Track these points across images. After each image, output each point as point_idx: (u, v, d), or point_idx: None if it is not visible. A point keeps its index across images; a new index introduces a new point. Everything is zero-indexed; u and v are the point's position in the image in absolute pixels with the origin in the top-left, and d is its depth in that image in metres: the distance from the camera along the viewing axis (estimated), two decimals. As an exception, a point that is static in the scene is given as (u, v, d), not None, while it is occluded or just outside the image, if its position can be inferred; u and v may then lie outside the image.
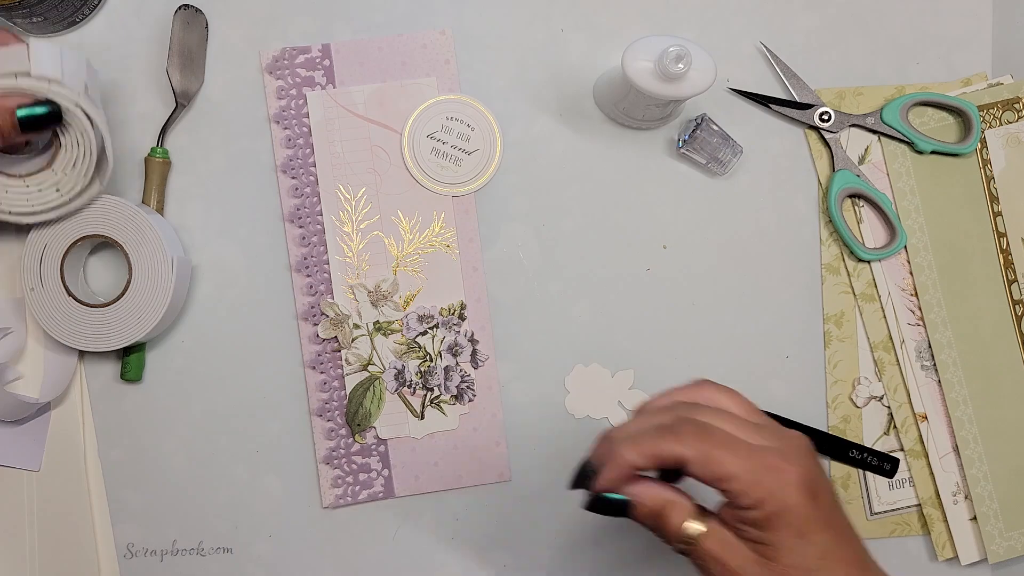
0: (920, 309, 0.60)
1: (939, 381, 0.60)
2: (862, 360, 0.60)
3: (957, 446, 0.59)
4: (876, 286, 0.60)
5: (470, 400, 0.59)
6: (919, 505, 0.60)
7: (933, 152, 0.60)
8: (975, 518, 0.59)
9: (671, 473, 0.44)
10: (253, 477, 0.59)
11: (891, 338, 0.60)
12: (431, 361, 0.59)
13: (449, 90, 0.59)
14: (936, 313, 0.60)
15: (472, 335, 0.59)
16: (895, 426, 0.60)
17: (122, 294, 0.55)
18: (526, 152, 0.60)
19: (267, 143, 0.59)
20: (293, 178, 0.59)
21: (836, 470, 0.60)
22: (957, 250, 0.60)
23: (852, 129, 0.60)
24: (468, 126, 0.59)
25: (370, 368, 0.58)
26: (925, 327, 0.60)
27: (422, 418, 0.59)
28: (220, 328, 0.59)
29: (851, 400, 0.60)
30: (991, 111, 0.61)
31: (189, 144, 0.59)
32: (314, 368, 0.58)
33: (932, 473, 0.60)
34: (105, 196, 0.55)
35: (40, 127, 0.50)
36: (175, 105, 0.58)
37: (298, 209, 0.59)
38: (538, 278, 0.60)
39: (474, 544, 0.59)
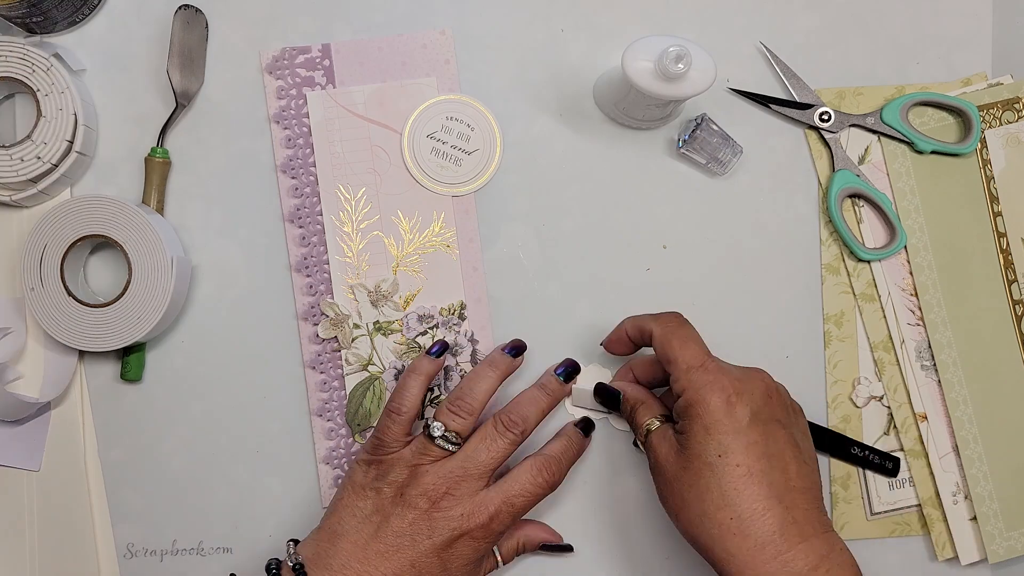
0: (920, 309, 0.60)
1: (939, 381, 0.60)
2: (862, 360, 0.60)
3: (957, 446, 0.59)
4: (876, 286, 0.60)
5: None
6: (919, 505, 0.60)
7: (933, 152, 0.60)
8: (975, 518, 0.59)
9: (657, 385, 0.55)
10: (253, 477, 0.59)
11: (891, 338, 0.60)
12: (431, 361, 0.59)
13: (449, 90, 0.59)
14: (936, 313, 0.60)
15: (472, 335, 0.59)
16: (895, 426, 0.60)
17: (122, 294, 0.55)
18: (526, 152, 0.60)
19: (267, 143, 0.59)
20: (293, 178, 0.59)
21: (836, 470, 0.60)
22: (957, 250, 0.60)
23: (852, 129, 0.60)
24: (468, 126, 0.59)
25: (370, 368, 0.58)
26: (925, 327, 0.60)
27: (422, 418, 0.59)
28: (220, 328, 0.59)
29: (851, 400, 0.60)
30: (991, 111, 0.61)
31: (189, 144, 0.59)
32: (314, 368, 0.58)
33: (932, 473, 0.60)
34: (105, 196, 0.55)
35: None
36: (175, 105, 0.58)
37: (298, 209, 0.59)
38: (538, 278, 0.60)
39: (474, 544, 0.59)
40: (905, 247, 0.60)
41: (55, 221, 0.55)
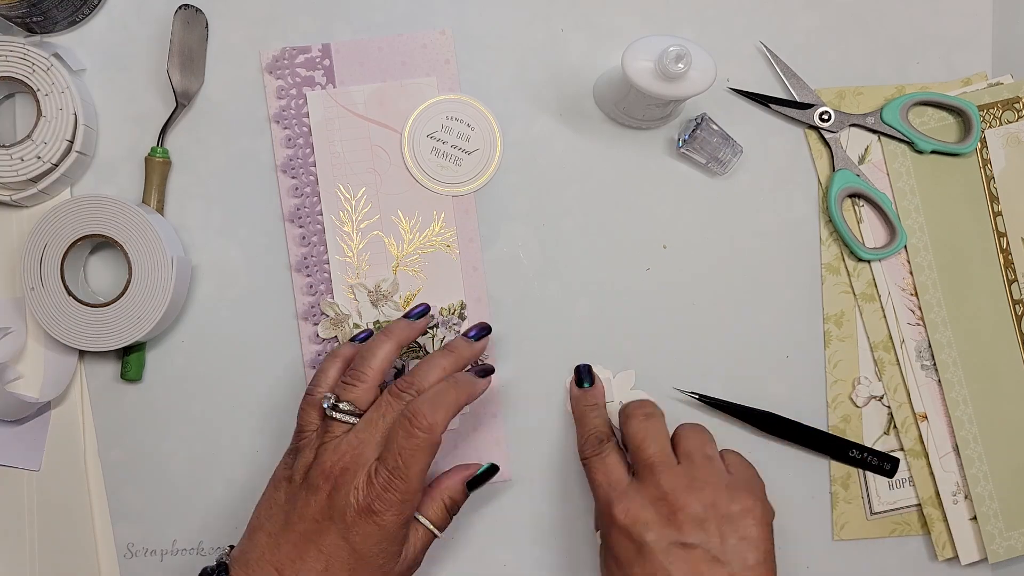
0: (920, 309, 0.60)
1: (939, 381, 0.60)
2: (862, 360, 0.60)
3: (957, 446, 0.59)
4: (876, 286, 0.60)
5: (470, 400, 0.59)
6: (919, 505, 0.60)
7: (933, 152, 0.60)
8: (975, 518, 0.59)
9: None
10: (253, 477, 0.59)
11: (891, 338, 0.60)
12: (431, 361, 0.59)
13: (449, 90, 0.59)
14: (936, 313, 0.60)
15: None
16: (895, 426, 0.60)
17: (122, 294, 0.55)
18: (526, 152, 0.60)
19: (267, 143, 0.59)
20: (293, 178, 0.59)
21: (836, 470, 0.60)
22: (957, 250, 0.60)
23: (852, 129, 0.60)
24: (468, 126, 0.59)
25: (370, 368, 0.58)
26: (925, 327, 0.60)
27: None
28: (220, 328, 0.59)
29: (851, 400, 0.60)
30: (991, 111, 0.61)
31: (189, 144, 0.59)
32: (314, 368, 0.58)
33: (932, 473, 0.60)
34: (105, 196, 0.55)
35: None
36: (175, 105, 0.58)
37: (298, 209, 0.59)
38: (538, 278, 0.60)
39: (474, 544, 0.59)
40: (905, 247, 0.60)
41: (55, 221, 0.55)
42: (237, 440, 0.59)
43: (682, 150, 0.59)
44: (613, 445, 0.54)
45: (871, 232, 0.60)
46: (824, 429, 0.60)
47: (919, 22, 0.61)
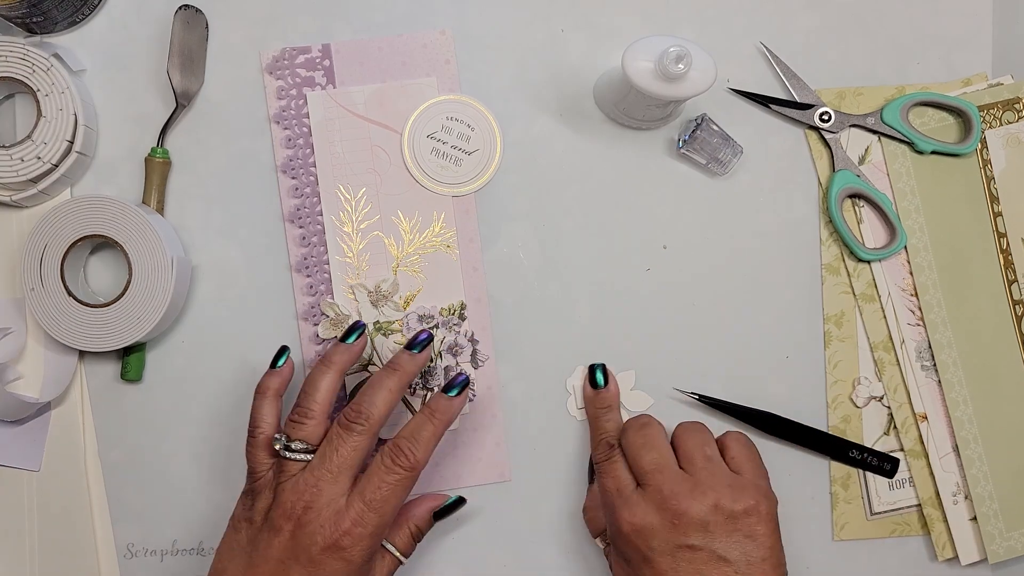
0: (920, 309, 0.60)
1: (939, 381, 0.60)
2: (862, 360, 0.60)
3: (957, 446, 0.59)
4: (876, 286, 0.60)
5: (470, 400, 0.59)
6: (919, 505, 0.60)
7: (933, 152, 0.60)
8: (975, 518, 0.59)
9: None
10: (253, 477, 0.59)
11: (891, 338, 0.60)
12: (431, 361, 0.59)
13: (449, 90, 0.59)
14: (936, 313, 0.60)
15: (472, 335, 0.59)
16: (895, 426, 0.60)
17: (122, 294, 0.55)
18: (526, 152, 0.60)
19: (267, 143, 0.59)
20: (293, 178, 0.59)
21: (836, 470, 0.60)
22: (957, 250, 0.60)
23: (852, 129, 0.60)
24: (468, 126, 0.59)
25: (370, 368, 0.58)
26: (925, 327, 0.60)
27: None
28: (220, 328, 0.59)
29: (851, 400, 0.60)
30: (991, 111, 0.61)
31: (189, 144, 0.59)
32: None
33: (932, 473, 0.60)
34: (105, 196, 0.55)
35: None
36: (175, 105, 0.58)
37: (298, 209, 0.59)
38: (538, 278, 0.60)
39: (474, 544, 0.59)
40: (905, 247, 0.60)
41: (55, 221, 0.55)
42: (237, 440, 0.59)
43: (682, 150, 0.59)
44: (619, 452, 0.54)
45: (871, 232, 0.60)
46: (824, 429, 0.60)
47: (919, 22, 0.61)
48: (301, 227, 0.59)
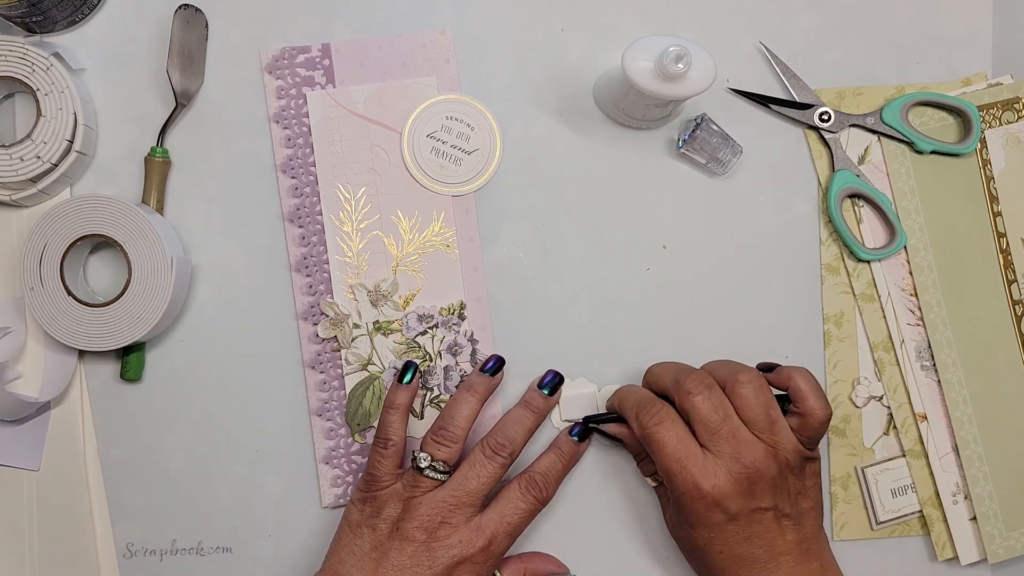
0: (920, 309, 0.60)
1: (939, 381, 0.60)
2: (862, 360, 0.60)
3: (957, 446, 0.59)
4: (876, 286, 0.60)
5: (470, 400, 0.59)
6: (921, 511, 0.60)
7: (933, 152, 0.60)
8: (975, 518, 0.59)
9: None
10: (253, 477, 0.59)
11: (891, 338, 0.60)
12: (431, 361, 0.59)
13: (449, 90, 0.59)
14: (936, 313, 0.60)
15: (472, 335, 0.59)
16: (895, 426, 0.60)
17: (122, 294, 0.55)
18: (526, 152, 0.60)
19: (267, 143, 0.59)
20: (293, 178, 0.59)
21: (836, 469, 0.60)
22: (957, 250, 0.60)
23: (852, 129, 0.60)
24: (468, 126, 0.59)
25: (370, 368, 0.58)
26: (925, 327, 0.60)
27: (422, 418, 0.59)
28: (220, 328, 0.59)
29: (851, 400, 0.60)
30: (991, 111, 0.61)
31: (189, 144, 0.59)
32: (314, 368, 0.58)
33: (932, 473, 0.60)
34: (105, 196, 0.55)
35: None
36: (175, 105, 0.58)
37: (298, 209, 0.59)
38: (538, 278, 0.60)
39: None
40: (905, 247, 0.60)
41: (55, 221, 0.55)
42: (237, 440, 0.59)
43: (682, 150, 0.59)
44: (669, 407, 0.53)
45: (871, 232, 0.60)
46: None
47: (919, 22, 0.61)
48: (301, 227, 0.59)
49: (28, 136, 0.55)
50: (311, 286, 0.59)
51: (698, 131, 0.58)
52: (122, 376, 0.58)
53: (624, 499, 0.59)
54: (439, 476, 0.52)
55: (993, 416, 0.60)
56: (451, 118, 0.59)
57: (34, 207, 0.58)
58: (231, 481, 0.59)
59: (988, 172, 0.61)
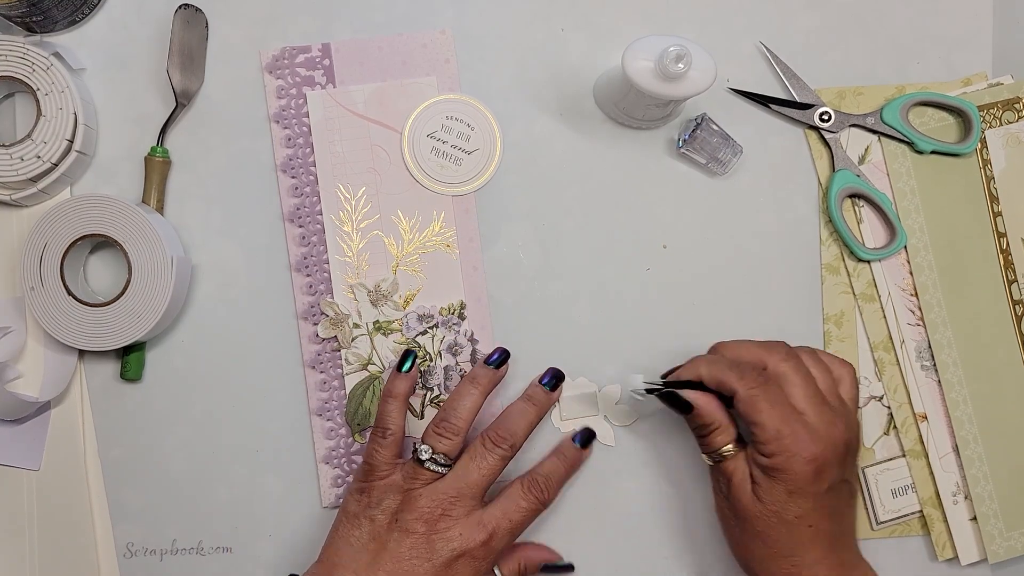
0: (920, 309, 0.60)
1: (939, 381, 0.60)
2: (862, 360, 0.60)
3: (957, 446, 0.59)
4: (876, 286, 0.60)
5: (470, 400, 0.59)
6: (921, 511, 0.60)
7: (933, 152, 0.60)
8: (975, 518, 0.59)
9: (728, 400, 0.51)
10: (253, 477, 0.59)
11: (891, 338, 0.60)
12: (431, 361, 0.59)
13: (449, 90, 0.59)
14: (936, 313, 0.60)
15: (472, 335, 0.59)
16: (895, 426, 0.60)
17: (122, 293, 0.55)
18: (526, 152, 0.60)
19: (267, 143, 0.59)
20: (293, 177, 0.59)
21: (836, 470, 0.60)
22: (957, 250, 0.60)
23: (852, 129, 0.60)
24: (468, 126, 0.59)
25: (370, 368, 0.58)
26: (925, 327, 0.60)
27: (422, 417, 0.59)
28: (220, 328, 0.59)
29: (851, 400, 0.60)
30: (991, 111, 0.61)
31: (189, 144, 0.59)
32: (314, 367, 0.58)
33: (932, 473, 0.60)
34: (105, 195, 0.55)
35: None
36: (175, 105, 0.58)
37: (298, 209, 0.59)
38: (538, 278, 0.60)
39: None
40: (905, 247, 0.60)
41: (55, 220, 0.55)
42: (237, 440, 0.59)
43: (682, 150, 0.59)
44: (768, 374, 0.51)
45: (871, 232, 0.60)
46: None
47: (919, 22, 0.61)
48: (301, 226, 0.59)
49: (28, 136, 0.55)
50: (311, 286, 0.59)
51: (698, 131, 0.58)
52: (122, 376, 0.58)
53: (626, 503, 0.59)
54: (440, 469, 0.52)
55: (993, 416, 0.60)
56: (451, 118, 0.59)
57: (34, 207, 0.58)
58: (231, 481, 0.59)
59: (988, 172, 0.61)
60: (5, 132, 0.58)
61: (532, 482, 0.54)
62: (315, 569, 0.52)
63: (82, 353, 0.58)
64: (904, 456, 0.60)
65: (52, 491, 0.57)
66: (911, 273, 0.60)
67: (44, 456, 0.58)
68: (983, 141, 0.61)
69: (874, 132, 0.60)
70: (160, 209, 0.58)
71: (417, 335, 0.59)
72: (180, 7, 0.58)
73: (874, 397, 0.60)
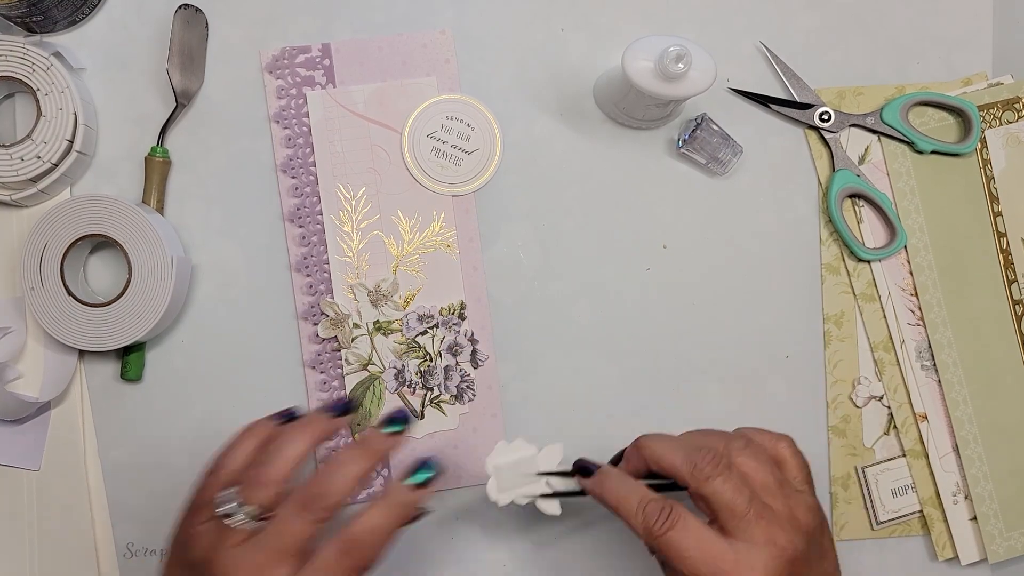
0: (920, 309, 0.60)
1: (939, 381, 0.60)
2: (862, 360, 0.60)
3: (957, 446, 0.59)
4: (876, 286, 0.60)
5: (470, 400, 0.59)
6: (921, 511, 0.60)
7: (933, 152, 0.60)
8: (975, 518, 0.59)
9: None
10: (253, 477, 0.59)
11: (891, 338, 0.60)
12: (431, 361, 0.59)
13: (449, 90, 0.59)
14: (936, 313, 0.60)
15: (472, 335, 0.59)
16: (895, 426, 0.60)
17: (122, 293, 0.55)
18: (526, 152, 0.60)
19: (267, 143, 0.59)
20: (293, 178, 0.59)
21: (836, 469, 0.60)
22: (957, 250, 0.60)
23: (852, 129, 0.60)
24: (468, 126, 0.59)
25: (370, 368, 0.58)
26: (925, 327, 0.60)
27: (422, 418, 0.59)
28: (220, 328, 0.59)
29: (851, 400, 0.60)
30: (991, 111, 0.61)
31: (189, 144, 0.59)
32: (314, 368, 0.58)
33: (932, 473, 0.60)
34: (105, 196, 0.55)
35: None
36: (175, 105, 0.58)
37: (298, 209, 0.59)
38: (538, 278, 0.60)
39: (474, 544, 0.59)
40: (905, 247, 0.60)
41: (55, 221, 0.55)
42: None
43: (682, 150, 0.59)
44: (677, 503, 0.44)
45: (871, 232, 0.60)
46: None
47: (919, 22, 0.61)
48: (301, 226, 0.59)
49: (28, 136, 0.55)
50: (311, 286, 0.59)
51: (698, 131, 0.58)
52: (122, 376, 0.58)
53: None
54: (248, 523, 0.43)
55: (993, 416, 0.60)
56: (451, 118, 0.59)
57: (34, 207, 0.58)
58: (231, 481, 0.59)
59: (988, 172, 0.61)
60: (5, 132, 0.58)
61: (348, 546, 0.43)
62: None
63: (82, 353, 0.58)
64: (904, 456, 0.60)
65: (52, 491, 0.57)
66: (911, 273, 0.60)
67: (44, 456, 0.58)
68: (983, 141, 0.61)
69: (874, 132, 0.60)
70: (160, 209, 0.58)
71: (417, 335, 0.59)
72: (180, 7, 0.58)
73: (874, 397, 0.60)
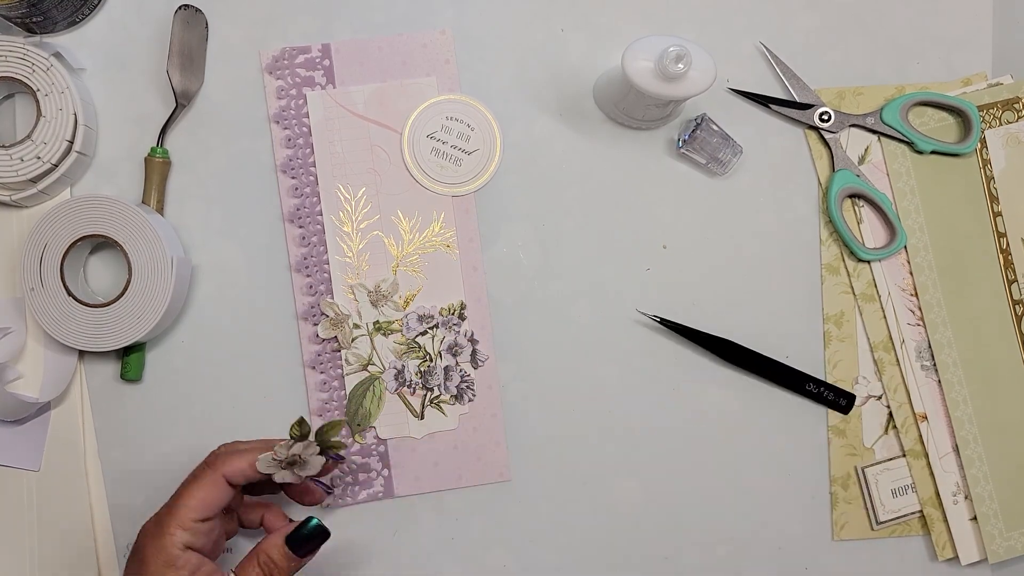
0: (920, 309, 0.60)
1: (939, 381, 0.60)
2: (862, 360, 0.60)
3: (957, 446, 0.59)
4: (876, 286, 0.60)
5: (470, 400, 0.59)
6: (921, 511, 0.60)
7: (933, 152, 0.60)
8: (975, 518, 0.59)
9: None
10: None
11: (891, 338, 0.60)
12: (431, 361, 0.59)
13: (449, 90, 0.59)
14: (936, 313, 0.60)
15: (472, 335, 0.59)
16: (895, 426, 0.60)
17: (122, 294, 0.55)
18: (526, 152, 0.60)
19: (267, 143, 0.59)
20: (293, 178, 0.59)
21: (836, 469, 0.60)
22: (957, 250, 0.60)
23: (852, 129, 0.60)
24: (468, 126, 0.59)
25: (370, 368, 0.58)
26: (925, 327, 0.60)
27: (422, 418, 0.59)
28: (220, 328, 0.59)
29: (851, 400, 0.60)
30: (991, 111, 0.61)
31: (189, 144, 0.59)
32: (314, 368, 0.58)
33: (932, 473, 0.60)
34: (105, 196, 0.55)
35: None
36: (175, 105, 0.58)
37: (298, 209, 0.59)
38: (538, 278, 0.60)
39: (474, 544, 0.59)
40: (905, 247, 0.60)
41: (55, 221, 0.55)
42: (236, 439, 0.59)
43: (682, 150, 0.59)
44: None
45: (871, 232, 0.60)
46: (784, 363, 0.59)
47: (919, 22, 0.61)
48: (301, 227, 0.59)
49: (28, 136, 0.55)
50: (311, 286, 0.59)
51: (698, 131, 0.58)
52: (122, 376, 0.58)
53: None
54: None
55: (993, 416, 0.60)
56: (451, 118, 0.59)
57: (34, 207, 0.58)
58: (231, 481, 0.59)
59: (988, 172, 0.61)
60: (5, 133, 0.58)
61: None
62: None
63: (82, 353, 0.58)
64: (904, 456, 0.60)
65: (52, 491, 0.57)
66: (911, 273, 0.60)
67: (44, 456, 0.58)
68: (983, 141, 0.61)
69: (874, 132, 0.60)
70: (160, 209, 0.58)
71: (417, 335, 0.59)
72: (180, 7, 0.58)
73: (874, 397, 0.60)
